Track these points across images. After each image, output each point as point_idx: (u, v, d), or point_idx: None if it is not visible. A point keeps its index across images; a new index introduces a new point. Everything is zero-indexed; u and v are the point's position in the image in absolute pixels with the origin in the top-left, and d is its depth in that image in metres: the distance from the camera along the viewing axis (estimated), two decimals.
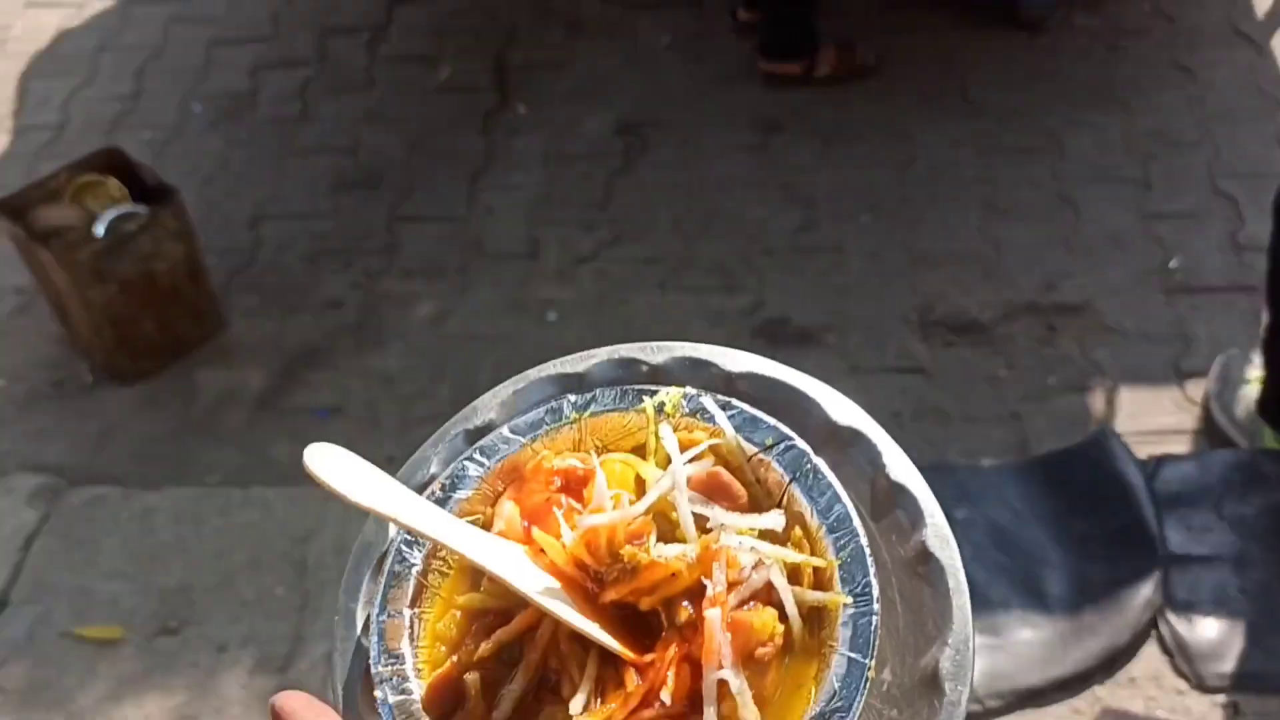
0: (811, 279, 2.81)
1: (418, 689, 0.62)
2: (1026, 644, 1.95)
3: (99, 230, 2.58)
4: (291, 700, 0.59)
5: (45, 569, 2.17)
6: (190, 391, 2.68)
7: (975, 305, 2.71)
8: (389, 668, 0.63)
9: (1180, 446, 2.36)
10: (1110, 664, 1.94)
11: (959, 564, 0.62)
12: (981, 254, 2.83)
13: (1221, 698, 1.91)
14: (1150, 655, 1.97)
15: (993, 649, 1.95)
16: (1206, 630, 1.97)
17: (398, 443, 2.50)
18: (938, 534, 0.64)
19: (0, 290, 2.95)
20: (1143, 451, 2.30)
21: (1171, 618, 1.98)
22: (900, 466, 0.67)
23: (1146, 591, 1.99)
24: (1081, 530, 2.10)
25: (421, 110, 3.40)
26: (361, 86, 3.49)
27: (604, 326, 2.74)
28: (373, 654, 0.63)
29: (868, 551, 0.62)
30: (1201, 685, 1.92)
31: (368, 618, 0.66)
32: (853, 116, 3.23)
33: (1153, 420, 2.43)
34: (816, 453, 0.66)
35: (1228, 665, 1.93)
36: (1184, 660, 1.94)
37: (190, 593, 2.10)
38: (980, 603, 2.02)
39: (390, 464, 2.39)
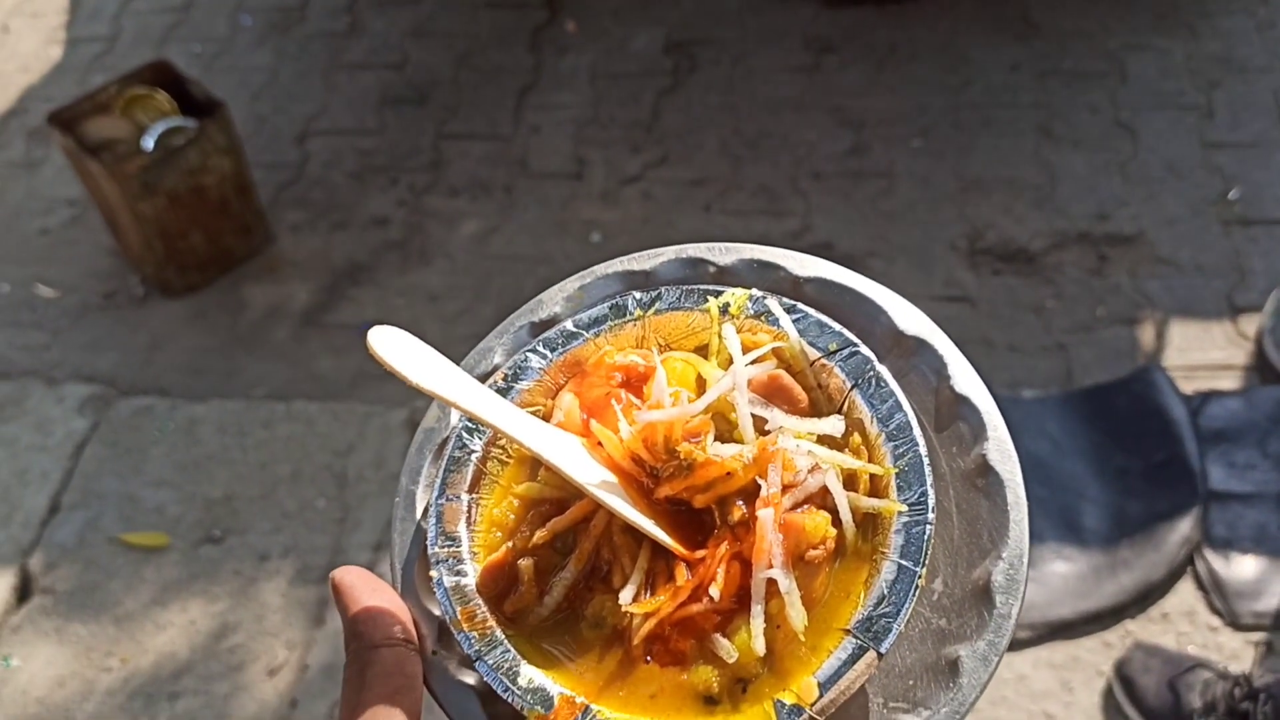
0: (859, 204, 2.77)
1: (472, 571, 0.64)
2: (1060, 576, 1.94)
3: (148, 143, 2.60)
4: (349, 575, 0.62)
5: (94, 476, 2.23)
6: (237, 305, 2.71)
7: (1025, 233, 2.66)
8: (445, 549, 0.64)
9: (1230, 382, 2.32)
10: (1143, 599, 1.93)
11: (1019, 479, 0.62)
12: (1034, 181, 2.77)
13: (1255, 635, 1.89)
14: (1185, 591, 1.95)
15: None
16: (1244, 568, 1.95)
17: None
18: (999, 448, 0.63)
19: (53, 202, 2.99)
20: (1191, 386, 2.26)
21: (1209, 554, 1.96)
22: (965, 378, 0.66)
23: (1184, 528, 1.97)
24: (1121, 464, 2.08)
25: (470, 26, 3.37)
26: (410, 1, 3.46)
27: (648, 249, 2.72)
28: (430, 535, 0.65)
29: (926, 461, 0.62)
30: (1235, 623, 1.91)
31: (427, 501, 0.67)
32: (908, 37, 3.15)
33: (1203, 355, 2.39)
34: (881, 360, 0.66)
35: (1263, 603, 1.91)
36: (1219, 597, 1.93)
37: (233, 503, 2.15)
38: None
39: None
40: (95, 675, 1.95)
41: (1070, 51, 3.05)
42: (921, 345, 0.68)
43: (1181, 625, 1.91)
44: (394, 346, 0.61)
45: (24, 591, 2.09)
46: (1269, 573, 1.94)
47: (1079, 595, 1.91)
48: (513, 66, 3.23)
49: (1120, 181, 2.75)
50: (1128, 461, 2.08)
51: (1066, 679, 1.85)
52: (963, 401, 0.65)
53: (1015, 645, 1.90)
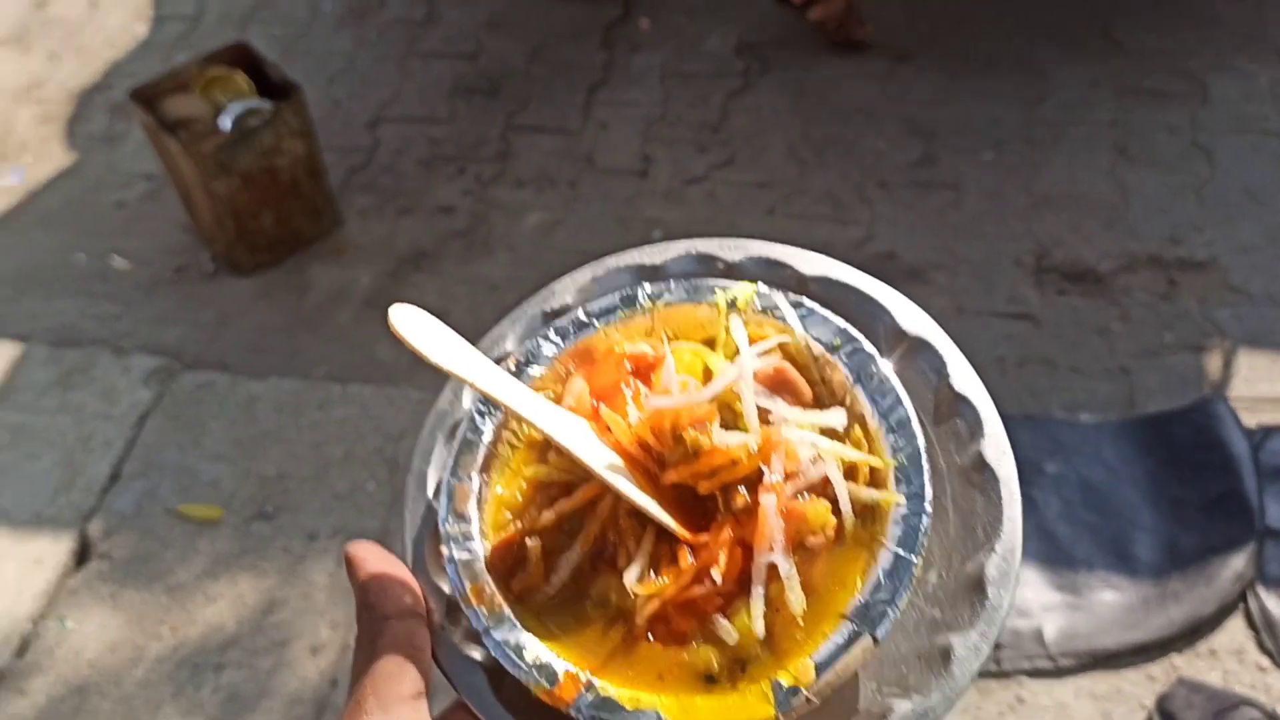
0: (925, 215, 2.75)
1: (481, 549, 0.66)
2: (1107, 605, 1.91)
3: (225, 123, 2.65)
4: (362, 548, 0.64)
5: (155, 447, 2.28)
6: (303, 286, 2.76)
7: (1094, 253, 2.62)
8: (456, 527, 0.66)
9: None
10: (1192, 634, 1.89)
11: (1014, 475, 0.64)
12: (1106, 200, 2.73)
13: None
14: (1235, 628, 1.91)
15: (1071, 608, 1.91)
16: None
17: None
18: (995, 445, 0.65)
19: (131, 176, 3.06)
20: (1256, 419, 2.21)
21: (1262, 592, 1.92)
22: (964, 377, 0.68)
23: (1238, 564, 1.93)
24: (1177, 495, 2.04)
25: (544, 20, 3.39)
26: None
27: None
28: (441, 513, 0.67)
29: (924, 455, 0.63)
30: None
31: (439, 480, 0.70)
32: (985, 49, 3.12)
33: (1271, 387, 2.33)
34: (883, 357, 0.68)
35: None
36: (1270, 637, 1.88)
37: (286, 481, 2.18)
38: (1063, 560, 1.99)
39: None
40: (145, 642, 2.00)
41: (1151, 70, 3.00)
42: (923, 344, 0.70)
43: (1229, 663, 1.87)
44: (415, 325, 0.63)
45: (82, 555, 2.15)
46: None
47: (1126, 626, 1.88)
48: (584, 62, 3.25)
49: (1195, 205, 2.69)
50: (1184, 492, 2.04)
51: (1107, 710, 1.82)
52: (961, 400, 0.67)
53: (1057, 673, 1.87)
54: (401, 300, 2.67)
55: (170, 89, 2.70)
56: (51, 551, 2.12)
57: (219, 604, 2.04)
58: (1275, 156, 2.76)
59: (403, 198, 2.95)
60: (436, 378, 2.41)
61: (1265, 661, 1.87)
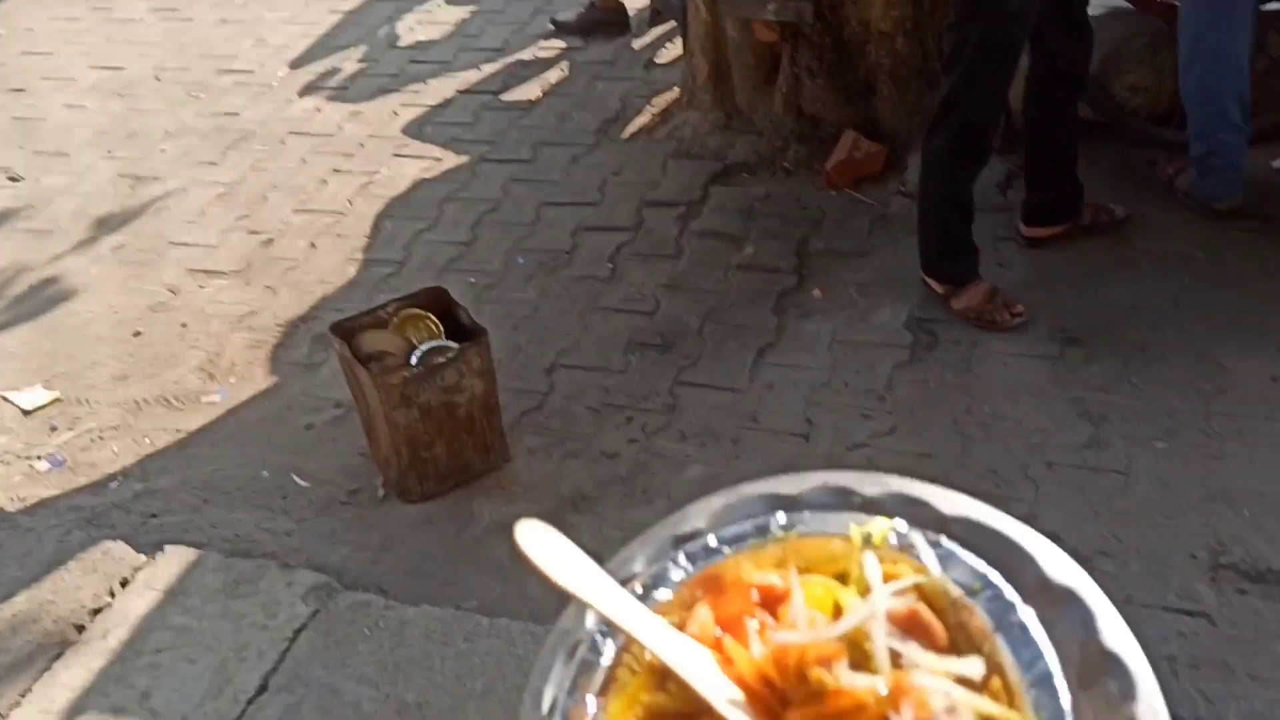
0: (1092, 499, 2.68)
1: None
2: None
3: (414, 359, 2.84)
4: None
5: (305, 662, 2.34)
6: (467, 517, 2.85)
7: (1276, 554, 2.48)
8: None
9: None
10: None
11: None
12: None
13: None
14: None
15: None
16: None
17: None
18: (1150, 709, 0.60)
19: (323, 402, 3.28)
20: None
21: None
22: (1116, 633, 0.64)
23: None
24: None
25: (721, 284, 3.55)
26: (669, 255, 3.70)
27: None
28: None
29: (1069, 715, 0.59)
30: None
31: (553, 699, 0.69)
32: (1159, 338, 3.10)
33: None
34: (1026, 605, 0.64)
35: None
36: None
37: (425, 710, 2.19)
38: None
39: None
40: None
41: None
42: (1070, 596, 0.66)
43: None
44: (541, 543, 0.64)
45: None
46: None
47: None
48: (756, 325, 3.36)
49: None
50: None
51: None
52: (1112, 659, 0.62)
53: None
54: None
55: (368, 325, 2.92)
56: None
57: None
58: None
59: (571, 441, 3.06)
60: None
61: None
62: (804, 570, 0.71)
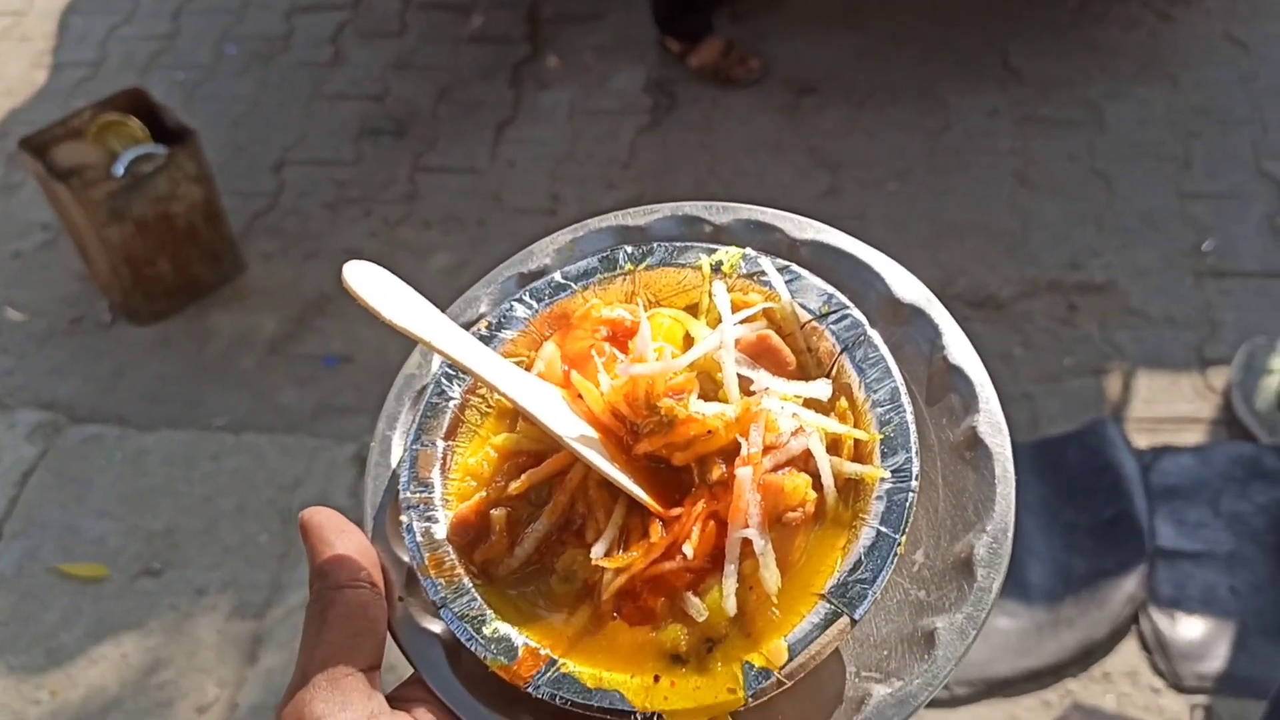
0: None
1: (443, 518, 0.63)
2: (1001, 632, 1.90)
3: (118, 170, 2.60)
4: (319, 515, 0.60)
5: (38, 505, 2.21)
6: (204, 334, 2.71)
7: (996, 280, 2.64)
8: (417, 495, 0.63)
9: (1197, 436, 2.28)
10: (1085, 657, 1.88)
11: (1009, 452, 0.61)
12: (1008, 228, 2.75)
13: (1198, 699, 1.85)
14: (1128, 651, 1.91)
15: None
16: (1190, 629, 1.90)
17: None
18: (990, 420, 0.62)
19: (28, 225, 3.00)
20: (1157, 439, 2.23)
21: (1154, 613, 1.92)
22: (959, 348, 0.65)
23: (1130, 585, 1.93)
24: (1069, 519, 2.04)
25: (452, 60, 3.37)
26: (394, 33, 3.48)
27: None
28: (402, 480, 0.64)
29: (913, 429, 0.60)
30: (1178, 685, 1.86)
31: (403, 447, 0.66)
32: (888, 81, 3.15)
33: (1170, 407, 2.35)
34: (874, 326, 0.64)
35: (1208, 666, 1.87)
36: (1162, 658, 1.88)
37: (175, 535, 2.13)
38: None
39: None
40: (23, 708, 1.93)
41: (1050, 98, 3.04)
42: (917, 314, 0.66)
43: (1123, 686, 1.87)
44: (372, 283, 0.59)
45: None
46: (1215, 634, 1.89)
47: (1020, 652, 1.87)
48: (492, 101, 3.23)
49: (1094, 231, 2.72)
50: (1076, 516, 2.04)
51: None
52: (955, 372, 0.64)
53: (953, 702, 1.86)
54: (305, 345, 2.65)
55: (62, 136, 2.65)
56: None
57: (101, 665, 1.97)
58: (1170, 181, 2.80)
59: (308, 241, 2.91)
60: (339, 424, 2.38)
61: (1158, 683, 1.87)
62: (654, 304, 0.69)
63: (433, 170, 3.06)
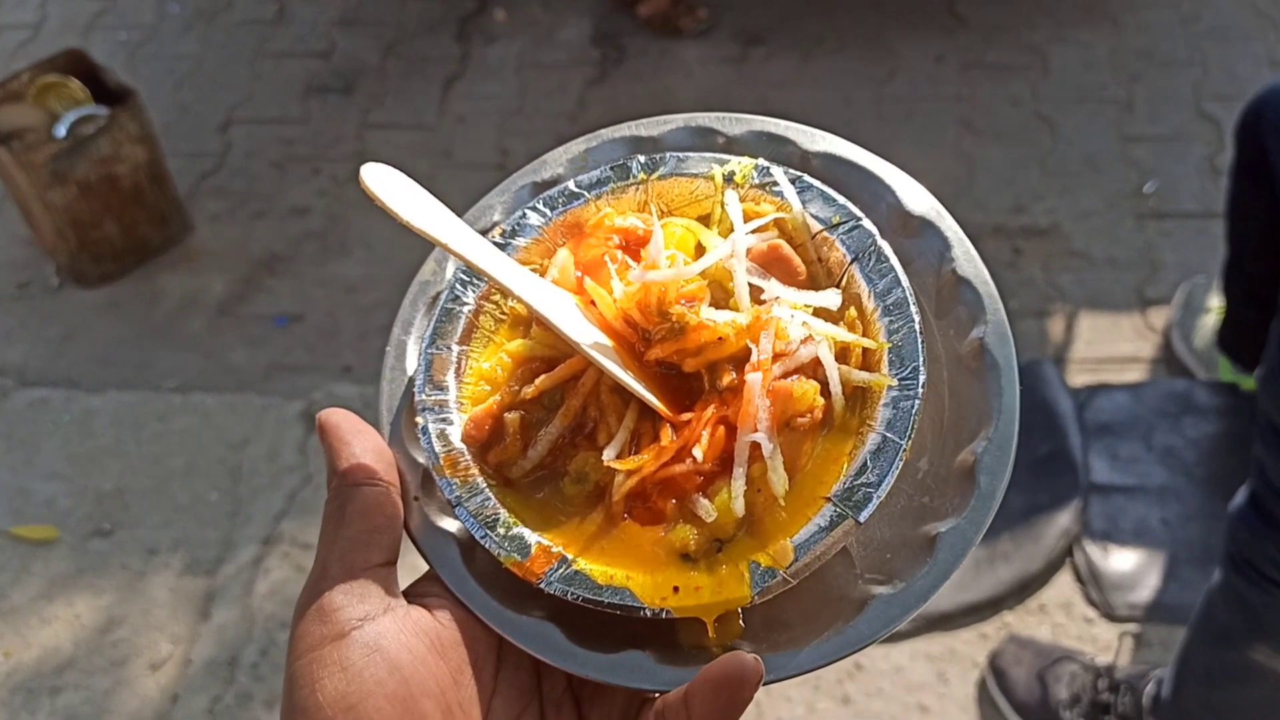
0: None
1: (458, 421, 0.64)
2: None
3: (59, 132, 2.58)
4: (336, 416, 0.61)
5: None
6: (153, 295, 2.69)
7: None
8: (432, 398, 0.64)
9: (1138, 375, 2.33)
10: (1021, 590, 1.93)
11: (1014, 364, 0.61)
12: (954, 173, 2.77)
13: (1129, 627, 1.90)
14: (1063, 583, 1.96)
15: None
16: (1121, 560, 1.95)
17: (355, 352, 2.52)
18: (997, 331, 0.63)
19: None
20: (1098, 378, 2.27)
21: (1088, 546, 1.97)
22: (968, 261, 0.65)
23: (1064, 520, 1.97)
24: None
25: (398, 15, 3.35)
26: None
27: None
28: (418, 383, 0.65)
29: (920, 339, 0.61)
30: (1111, 614, 1.91)
31: (418, 351, 0.67)
32: (835, 29, 3.15)
33: (1112, 347, 2.39)
34: (885, 238, 0.65)
35: (1139, 595, 1.92)
36: (1096, 589, 1.93)
37: (125, 496, 2.13)
38: None
39: (348, 373, 2.40)
40: None
41: (994, 44, 3.06)
42: (926, 226, 0.67)
43: (1058, 617, 1.92)
44: (390, 185, 0.59)
45: None
46: (1145, 565, 1.94)
47: (958, 587, 1.91)
48: (440, 56, 3.22)
49: (1038, 174, 2.75)
50: None
51: (942, 671, 1.85)
52: (964, 284, 0.65)
53: (893, 637, 1.90)
54: (254, 305, 2.64)
55: (1, 99, 2.62)
56: None
57: (55, 625, 1.98)
58: (1113, 124, 2.83)
59: (255, 201, 2.90)
60: (289, 382, 2.38)
61: (1091, 613, 1.92)
62: (667, 213, 0.69)
63: (381, 127, 3.05)
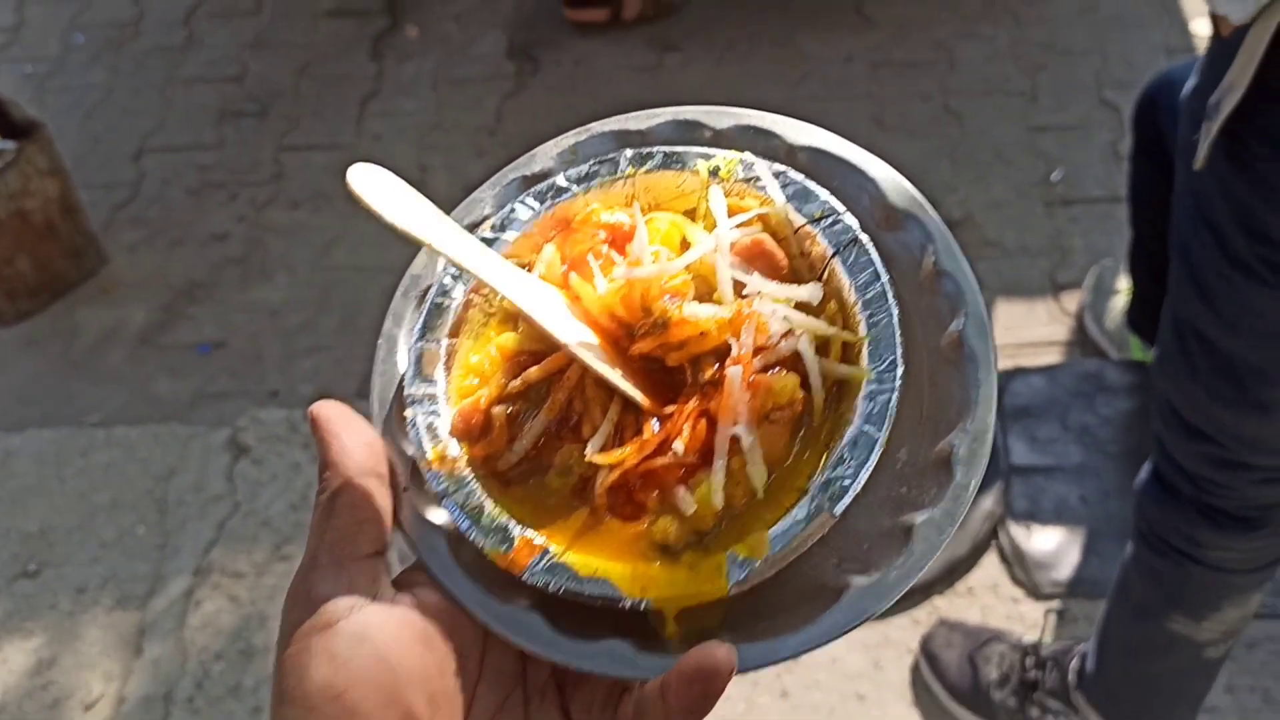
0: None
1: (446, 414, 0.64)
2: None
3: None
4: (328, 408, 0.61)
5: None
6: (71, 330, 2.65)
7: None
8: (421, 390, 0.65)
9: (1053, 358, 2.39)
10: (950, 575, 1.97)
11: (991, 356, 0.62)
12: None
13: (1054, 604, 1.95)
14: (989, 565, 2.01)
15: None
16: (1044, 539, 2.00)
17: (281, 375, 2.50)
18: (976, 324, 0.63)
19: None
20: (1017, 363, 2.32)
21: (1011, 528, 2.02)
22: (948, 254, 0.66)
23: (988, 504, 2.02)
24: None
25: (310, 35, 3.33)
26: (249, 11, 3.42)
27: None
28: (407, 376, 0.65)
29: (899, 331, 0.62)
30: (1036, 593, 1.96)
31: (407, 345, 0.68)
32: (747, 33, 3.19)
33: (1027, 333, 2.45)
34: (866, 231, 0.65)
35: (1062, 572, 1.97)
36: (1020, 569, 1.98)
37: (50, 535, 2.10)
38: None
39: (274, 398, 2.39)
40: None
41: (901, 42, 3.11)
42: (909, 219, 0.67)
43: (985, 598, 1.96)
44: (374, 186, 0.59)
45: None
46: (1067, 542, 2.00)
47: None
48: (355, 75, 3.20)
49: (949, 167, 2.81)
50: None
51: (877, 658, 1.89)
52: (944, 277, 0.65)
53: None
54: (176, 335, 2.62)
55: None
56: None
57: None
58: (1018, 114, 2.90)
59: (173, 229, 2.87)
60: (214, 410, 2.36)
61: (1018, 593, 1.97)
62: (653, 207, 0.70)
63: (298, 149, 3.03)
